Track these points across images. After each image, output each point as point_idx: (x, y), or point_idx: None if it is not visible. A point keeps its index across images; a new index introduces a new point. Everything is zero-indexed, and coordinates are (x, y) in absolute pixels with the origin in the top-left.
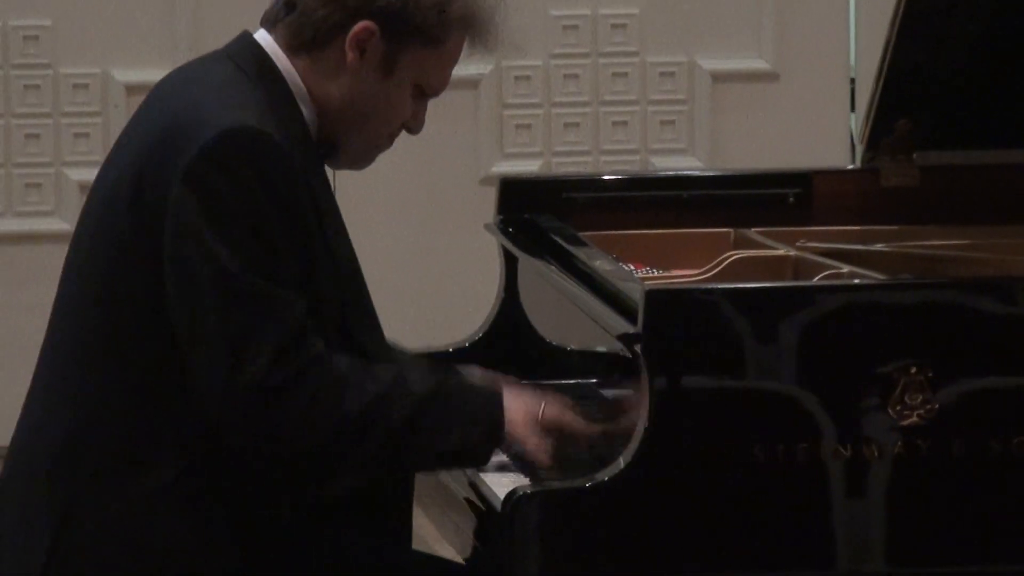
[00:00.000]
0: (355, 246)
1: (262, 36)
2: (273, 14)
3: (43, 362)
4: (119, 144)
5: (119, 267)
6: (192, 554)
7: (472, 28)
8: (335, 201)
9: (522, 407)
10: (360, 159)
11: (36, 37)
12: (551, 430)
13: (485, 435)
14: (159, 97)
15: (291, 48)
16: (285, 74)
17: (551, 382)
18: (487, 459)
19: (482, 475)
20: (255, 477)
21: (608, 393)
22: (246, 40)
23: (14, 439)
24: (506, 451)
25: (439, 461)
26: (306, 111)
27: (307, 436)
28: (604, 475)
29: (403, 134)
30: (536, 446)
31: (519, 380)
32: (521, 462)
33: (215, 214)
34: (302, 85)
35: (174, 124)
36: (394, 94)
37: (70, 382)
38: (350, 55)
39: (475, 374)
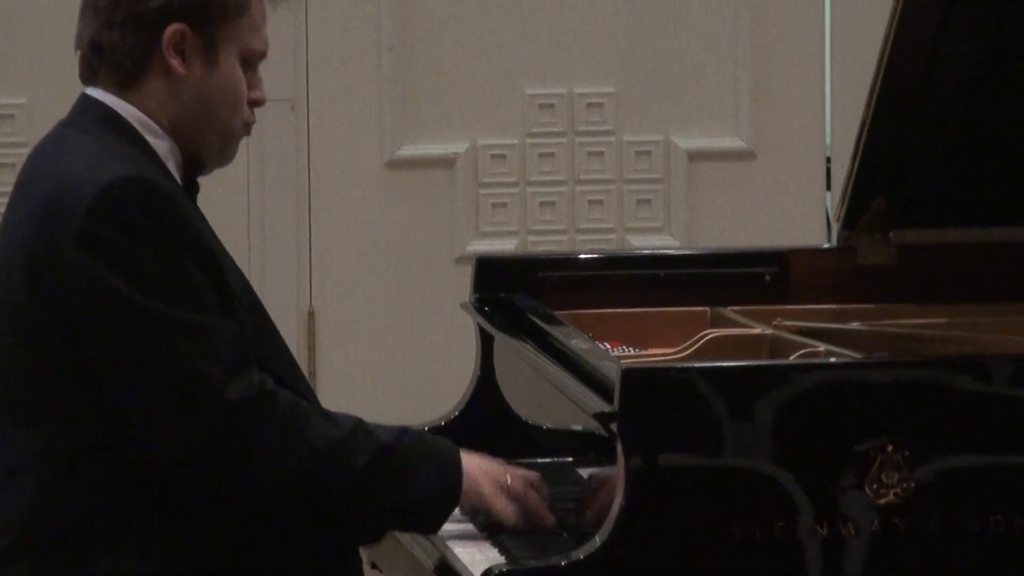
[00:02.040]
0: (330, 324)
1: (94, 93)
2: (88, 69)
3: None
4: (2, 236)
5: (25, 355)
6: None
7: None
8: (215, 235)
9: (487, 470)
10: (225, 155)
11: (12, 116)
12: (517, 498)
13: (442, 494)
14: (28, 178)
15: (120, 88)
16: (129, 118)
17: (527, 460)
18: (440, 522)
19: (453, 548)
20: (211, 521)
21: (584, 471)
22: (87, 101)
23: None
24: (473, 520)
25: (393, 515)
26: (163, 144)
27: (272, 462)
28: (580, 553)
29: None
30: (504, 507)
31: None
32: (490, 531)
33: (121, 268)
34: (149, 120)
35: (52, 196)
36: (227, 78)
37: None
38: (173, 63)
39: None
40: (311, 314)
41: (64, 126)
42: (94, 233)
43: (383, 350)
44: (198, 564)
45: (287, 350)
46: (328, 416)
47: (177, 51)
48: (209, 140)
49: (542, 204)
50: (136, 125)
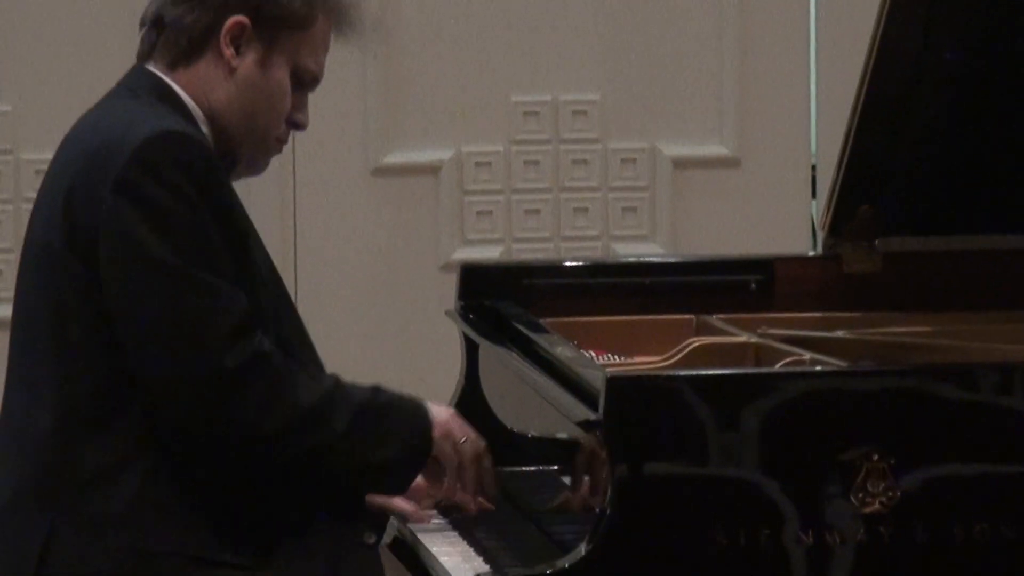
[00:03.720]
0: (315, 333)
1: (149, 67)
2: (146, 46)
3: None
4: (44, 187)
5: (60, 292)
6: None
7: (334, 9)
8: (245, 212)
9: (449, 429)
10: (255, 164)
11: None
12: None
13: (411, 457)
14: (75, 139)
15: (171, 66)
16: (181, 95)
17: (512, 468)
18: (408, 483)
19: (437, 556)
20: (213, 462)
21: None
22: (140, 71)
23: None
24: (445, 514)
25: (365, 475)
26: (203, 128)
27: (262, 420)
28: (565, 562)
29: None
30: (448, 457)
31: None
32: (463, 529)
33: (150, 215)
34: (193, 103)
35: (97, 148)
36: (275, 86)
37: (29, 399)
38: (227, 52)
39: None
40: None
41: (113, 96)
42: (133, 180)
43: (368, 358)
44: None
45: (305, 332)
46: (313, 378)
47: (234, 42)
48: (243, 142)
49: (527, 212)
50: (187, 104)
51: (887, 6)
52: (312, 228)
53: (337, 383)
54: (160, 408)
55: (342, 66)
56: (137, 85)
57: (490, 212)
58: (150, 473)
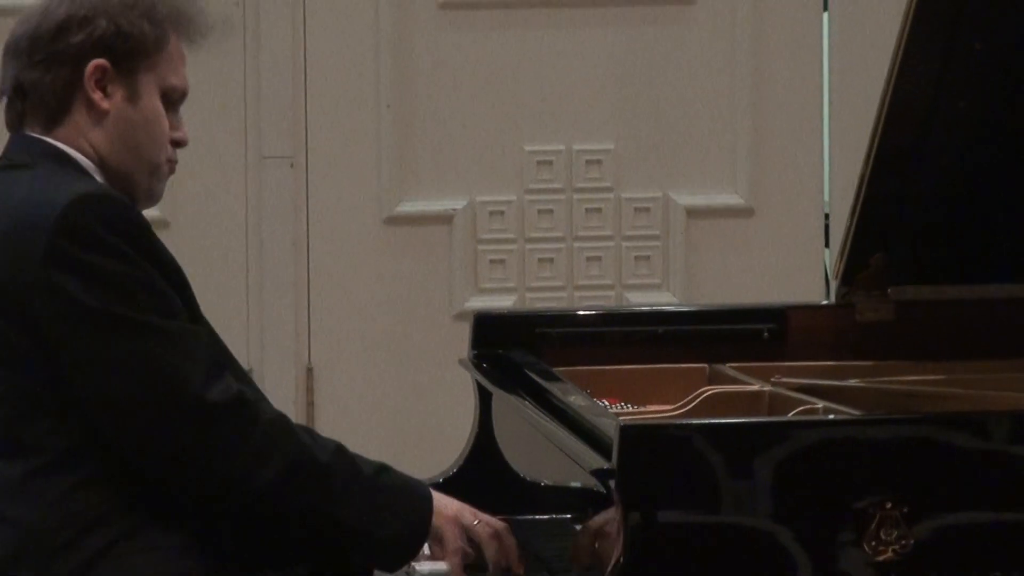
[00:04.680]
0: (328, 380)
1: (27, 132)
2: (14, 114)
3: None
4: None
5: (5, 381)
6: None
7: (181, 22)
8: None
9: (455, 516)
10: (153, 194)
11: None
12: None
13: (408, 539)
14: None
15: (47, 127)
16: (70, 153)
17: (525, 517)
18: (401, 564)
19: None
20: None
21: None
22: (23, 140)
23: None
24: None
25: (358, 547)
26: (98, 178)
27: (252, 468)
28: None
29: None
30: (454, 554)
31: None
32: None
33: (91, 282)
34: (81, 156)
35: (13, 224)
36: (149, 113)
37: None
38: (96, 97)
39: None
40: (310, 370)
41: (10, 167)
42: (61, 250)
43: (382, 406)
44: (202, 560)
45: (239, 365)
46: (312, 435)
47: (99, 86)
48: (137, 177)
49: (540, 260)
50: (75, 158)
51: (900, 56)
52: (325, 277)
53: (340, 448)
54: (151, 465)
55: (356, 116)
56: (27, 154)
57: (503, 261)
58: (135, 513)
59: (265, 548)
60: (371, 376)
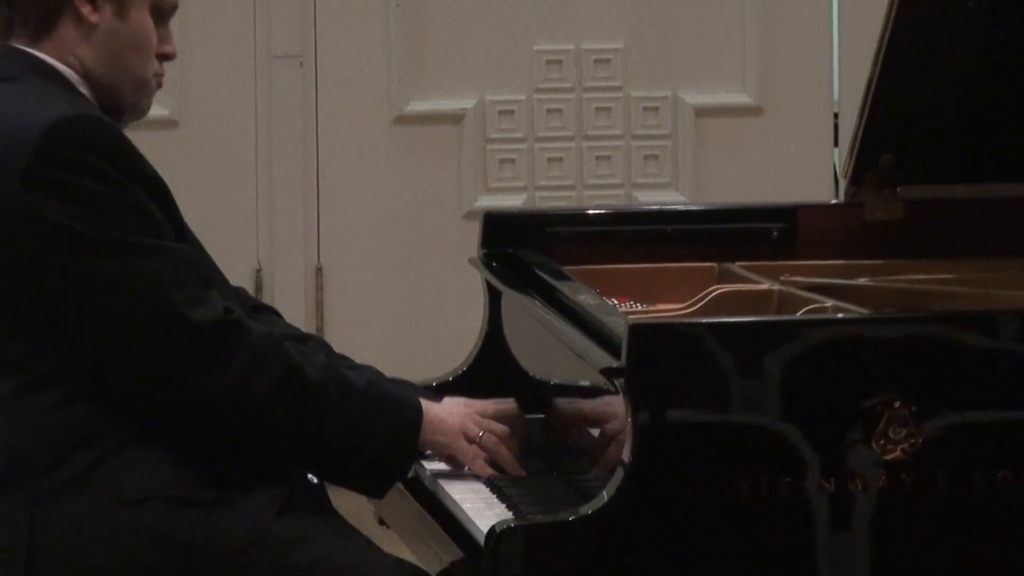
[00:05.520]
0: (338, 280)
1: (14, 44)
2: (2, 23)
3: None
4: None
5: None
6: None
7: None
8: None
9: (456, 426)
10: (139, 108)
11: None
12: (488, 451)
13: (391, 463)
14: None
15: (34, 39)
16: (55, 65)
17: (534, 416)
18: (386, 488)
19: (462, 503)
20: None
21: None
22: (6, 51)
23: None
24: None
25: (343, 467)
26: (83, 90)
27: (240, 386)
28: (588, 508)
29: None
30: (473, 462)
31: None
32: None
33: (74, 205)
34: (67, 69)
35: None
36: (137, 28)
37: None
38: (85, 11)
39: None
40: (319, 270)
41: None
42: (43, 174)
43: (390, 305)
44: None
45: (226, 281)
46: (303, 352)
47: (89, 0)
48: (124, 91)
49: (550, 160)
50: (62, 72)
51: None
52: (335, 176)
53: (330, 362)
54: (132, 383)
55: (365, 15)
56: (12, 66)
57: (513, 160)
58: (122, 428)
59: (253, 463)
60: (380, 275)
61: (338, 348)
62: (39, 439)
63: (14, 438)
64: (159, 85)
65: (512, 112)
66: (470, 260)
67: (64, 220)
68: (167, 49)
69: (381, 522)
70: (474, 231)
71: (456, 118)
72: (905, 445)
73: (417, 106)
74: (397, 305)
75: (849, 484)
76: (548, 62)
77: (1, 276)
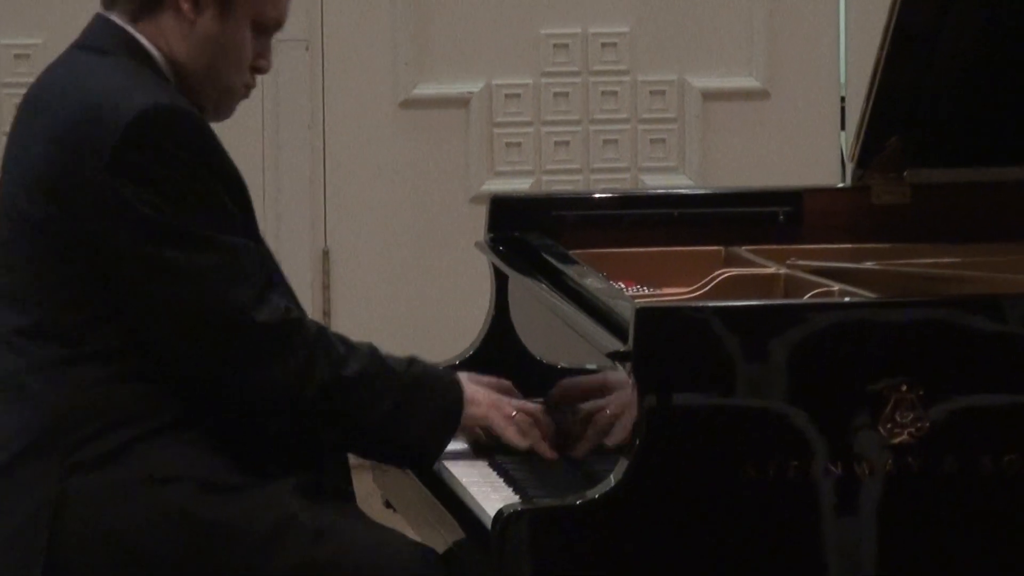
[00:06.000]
0: (345, 264)
1: (113, 17)
2: None
3: None
4: (13, 149)
5: (47, 270)
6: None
7: None
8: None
9: (492, 402)
10: (221, 111)
11: (28, 56)
12: (523, 432)
13: (438, 438)
14: (44, 100)
15: (134, 18)
16: (148, 48)
17: (541, 400)
18: (433, 460)
19: (468, 487)
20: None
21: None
22: (104, 23)
23: None
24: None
25: (390, 447)
26: (170, 78)
27: (301, 385)
28: (595, 492)
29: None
30: (513, 436)
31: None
32: (490, 458)
33: (154, 192)
34: (159, 54)
35: (81, 118)
36: (234, 37)
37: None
38: (185, 7)
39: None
40: (326, 253)
41: (80, 48)
42: (128, 159)
43: (397, 289)
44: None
45: (288, 284)
46: (346, 343)
47: None
48: (208, 92)
49: (556, 144)
50: (154, 57)
51: None
52: (342, 160)
53: (374, 355)
54: (190, 371)
55: None
56: (104, 39)
57: (519, 144)
58: (163, 412)
59: (283, 448)
60: (387, 259)
61: (345, 330)
62: (81, 410)
63: (58, 403)
64: (246, 95)
65: (519, 96)
66: (477, 244)
67: (143, 207)
68: (262, 63)
69: (388, 505)
70: (481, 215)
71: (463, 102)
72: (912, 429)
73: (424, 90)
74: (404, 288)
75: (856, 468)
76: (555, 46)
77: (70, 248)
